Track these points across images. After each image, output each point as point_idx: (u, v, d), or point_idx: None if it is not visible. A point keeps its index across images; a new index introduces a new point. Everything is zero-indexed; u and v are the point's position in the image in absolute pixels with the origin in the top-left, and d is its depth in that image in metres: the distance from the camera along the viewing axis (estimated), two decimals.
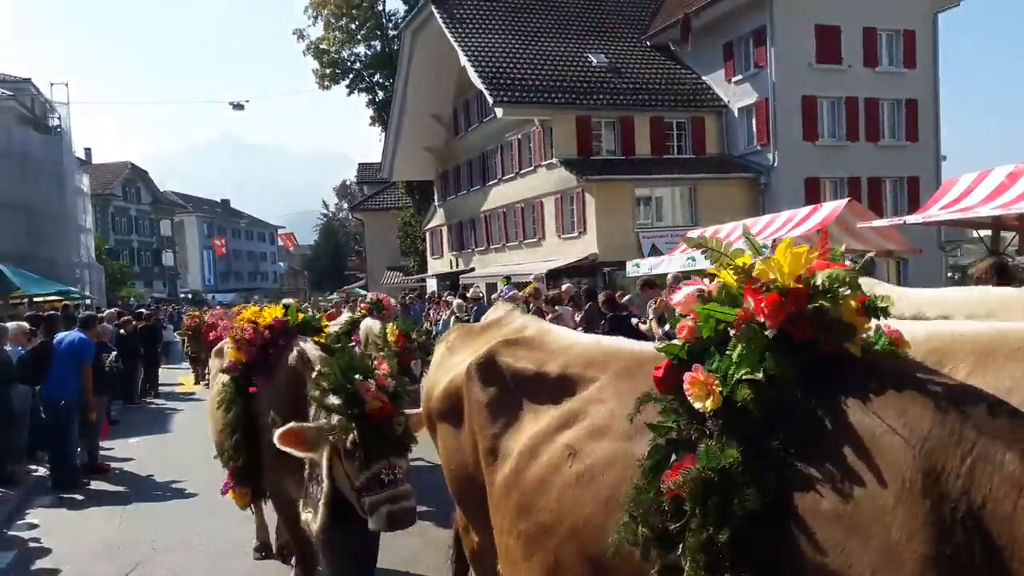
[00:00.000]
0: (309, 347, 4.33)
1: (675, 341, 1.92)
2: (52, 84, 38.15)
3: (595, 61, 26.76)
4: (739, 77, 25.63)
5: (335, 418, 3.40)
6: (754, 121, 25.29)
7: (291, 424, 3.52)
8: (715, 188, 24.79)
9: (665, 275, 12.71)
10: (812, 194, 22.71)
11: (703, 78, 26.96)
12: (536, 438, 2.29)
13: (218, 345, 6.09)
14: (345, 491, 3.51)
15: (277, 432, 3.43)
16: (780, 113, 24.37)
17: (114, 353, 11.27)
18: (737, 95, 25.80)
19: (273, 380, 4.37)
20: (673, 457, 1.70)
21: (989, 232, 9.80)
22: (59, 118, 34.81)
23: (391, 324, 8.42)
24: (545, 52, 26.64)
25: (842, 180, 24.83)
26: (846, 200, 12.91)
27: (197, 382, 18.13)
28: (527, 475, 2.23)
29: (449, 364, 3.22)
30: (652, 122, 25.62)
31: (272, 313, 4.72)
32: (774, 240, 12.26)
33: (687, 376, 1.74)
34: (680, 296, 1.96)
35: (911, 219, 10.86)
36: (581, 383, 2.33)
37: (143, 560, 5.96)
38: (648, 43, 28.52)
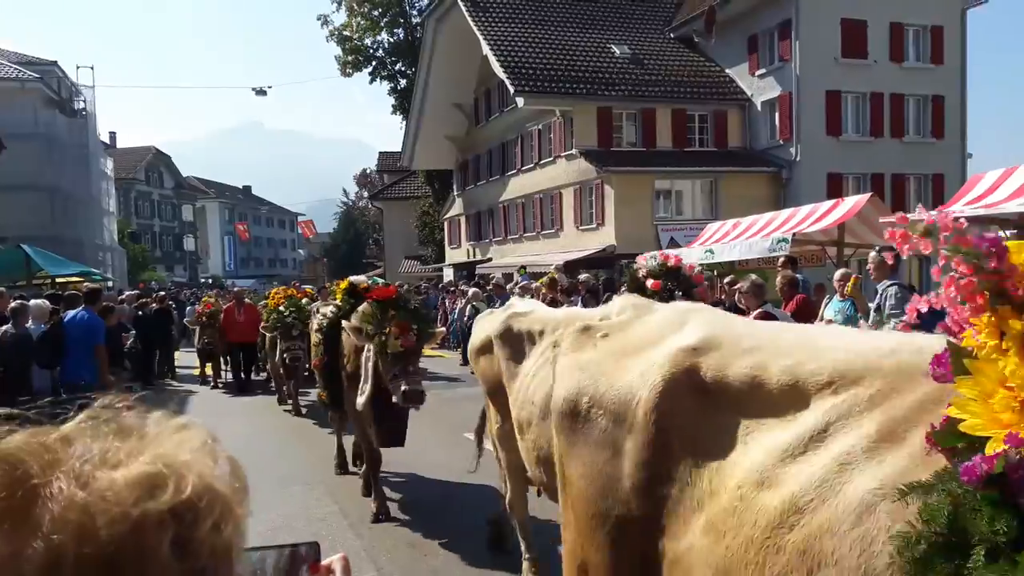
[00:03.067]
0: None
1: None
2: (78, 67, 38.68)
3: (618, 52, 26.61)
4: (763, 71, 25.37)
5: None
6: (777, 115, 25.05)
7: None
8: (736, 182, 24.61)
9: None
10: (834, 190, 22.46)
11: (726, 71, 26.73)
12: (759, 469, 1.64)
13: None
14: None
15: None
16: (804, 107, 24.11)
17: (132, 332, 11.44)
18: (761, 89, 25.55)
19: None
20: None
21: (1015, 231, 9.66)
22: (84, 101, 35.15)
23: None
24: (568, 42, 26.53)
25: (865, 176, 24.53)
26: (868, 195, 12.77)
27: (206, 381, 15.74)
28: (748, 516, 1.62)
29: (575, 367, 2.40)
30: (674, 114, 25.45)
31: None
32: (794, 234, 12.19)
33: None
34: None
35: (935, 215, 10.73)
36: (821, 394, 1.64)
37: None
38: (672, 35, 28.32)
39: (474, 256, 32.95)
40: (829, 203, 13.12)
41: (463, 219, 35.10)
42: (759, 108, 25.66)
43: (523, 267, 19.40)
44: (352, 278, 7.12)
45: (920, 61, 25.35)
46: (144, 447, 0.72)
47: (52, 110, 32.51)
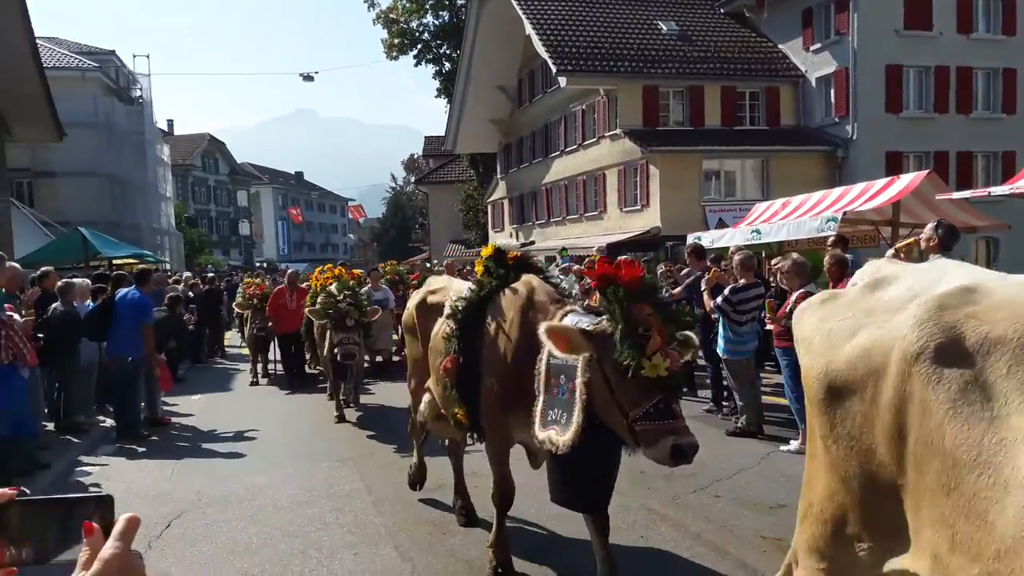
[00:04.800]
0: None
1: None
2: (135, 56, 39.65)
3: (665, 29, 26.03)
4: (818, 45, 24.52)
5: None
6: (833, 91, 24.21)
7: None
8: (789, 161, 23.89)
9: (727, 248, 12.29)
10: (893, 169, 21.53)
11: (779, 46, 25.92)
12: None
13: None
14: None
15: None
16: (861, 83, 23.24)
17: (191, 309, 12.07)
18: (815, 64, 24.71)
19: None
20: None
21: None
22: (141, 89, 36.04)
23: None
24: (613, 20, 26.08)
25: (927, 154, 23.56)
26: (926, 172, 12.18)
27: (256, 380, 13.45)
28: None
29: (835, 334, 2.14)
30: (723, 92, 24.82)
31: None
32: (845, 213, 11.68)
33: None
34: None
35: (997, 190, 10.21)
36: None
37: (187, 509, 6.11)
38: (722, 10, 27.61)
39: (517, 239, 32.78)
40: (883, 181, 12.55)
41: (506, 202, 34.97)
42: (813, 84, 24.83)
43: (564, 249, 19.20)
44: (499, 242, 4.93)
45: (990, 32, 24.18)
46: None
47: (111, 98, 33.40)
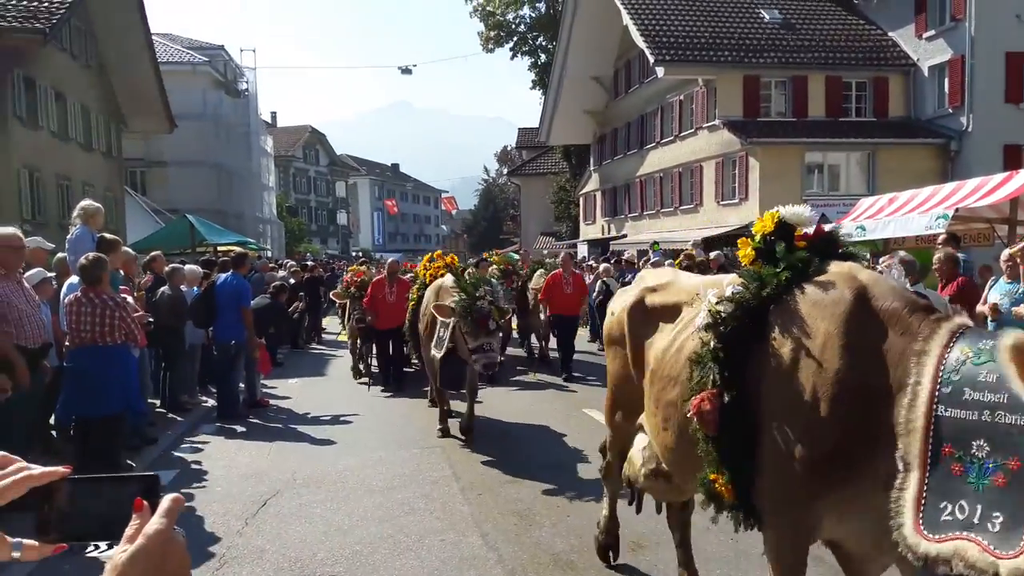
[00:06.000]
0: None
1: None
2: (241, 50, 41.45)
3: (768, 17, 25.16)
4: (932, 32, 23.13)
5: None
6: (947, 81, 22.78)
7: None
8: (897, 154, 22.71)
9: None
10: (1013, 163, 20.05)
11: (889, 34, 24.63)
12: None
13: None
14: None
15: None
16: (979, 71, 21.76)
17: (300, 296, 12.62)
18: (928, 52, 23.32)
19: None
20: None
21: None
22: (247, 82, 37.57)
23: None
24: (713, 8, 25.45)
25: None
26: None
27: (362, 374, 12.32)
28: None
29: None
30: (828, 82, 23.80)
31: None
32: (957, 209, 10.96)
33: None
34: None
35: None
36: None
37: (282, 489, 6.32)
38: None
39: (609, 232, 32.49)
40: (1001, 176, 11.71)
41: (599, 194, 34.68)
42: (926, 73, 23.44)
43: (656, 243, 18.86)
44: (784, 211, 3.13)
45: None
46: None
47: (219, 91, 35.00)
